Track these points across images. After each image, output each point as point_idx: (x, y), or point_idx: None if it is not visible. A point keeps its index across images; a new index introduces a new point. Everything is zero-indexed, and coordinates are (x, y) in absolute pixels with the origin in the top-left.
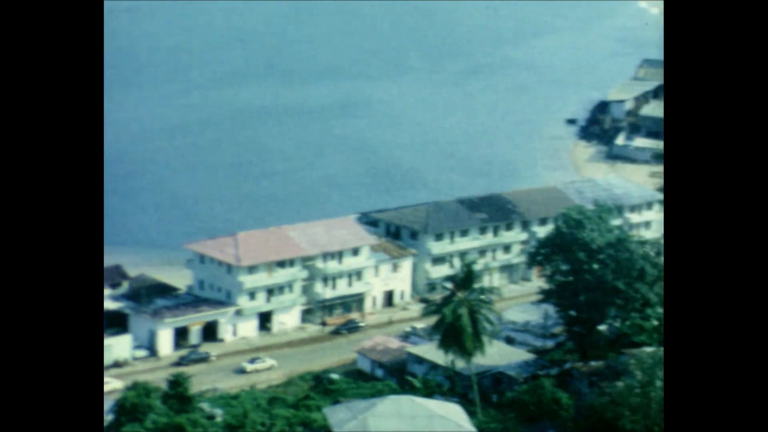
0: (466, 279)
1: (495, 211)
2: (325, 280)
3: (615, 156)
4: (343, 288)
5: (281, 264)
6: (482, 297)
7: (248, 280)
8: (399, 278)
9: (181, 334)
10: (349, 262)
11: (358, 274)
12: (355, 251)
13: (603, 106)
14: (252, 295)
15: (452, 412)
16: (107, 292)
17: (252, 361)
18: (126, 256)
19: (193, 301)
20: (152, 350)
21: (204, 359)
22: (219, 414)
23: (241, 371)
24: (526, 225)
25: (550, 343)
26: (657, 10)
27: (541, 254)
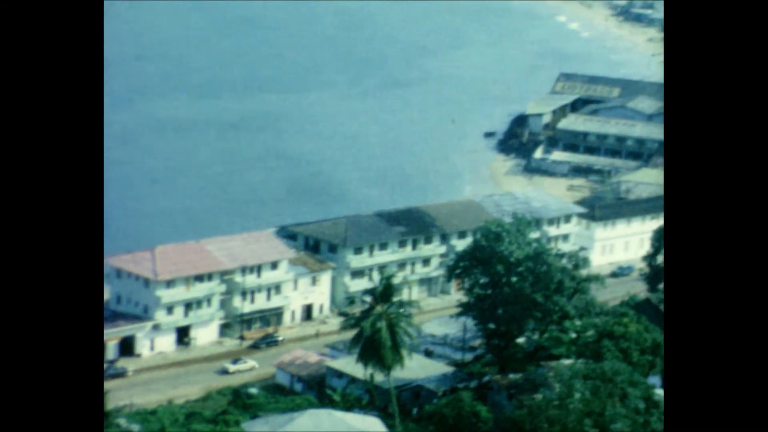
0: (385, 292)
1: (414, 224)
2: (243, 294)
3: (533, 169)
4: (261, 302)
5: (199, 278)
6: (401, 310)
7: (166, 295)
8: (318, 292)
9: None
10: (268, 276)
11: (276, 288)
12: (274, 265)
13: (521, 120)
14: (170, 309)
15: (371, 425)
16: None
17: (234, 362)
18: None
19: (110, 315)
20: None
21: (121, 374)
22: (136, 429)
23: (224, 372)
24: (444, 238)
25: (469, 356)
26: (576, 25)
27: (459, 267)
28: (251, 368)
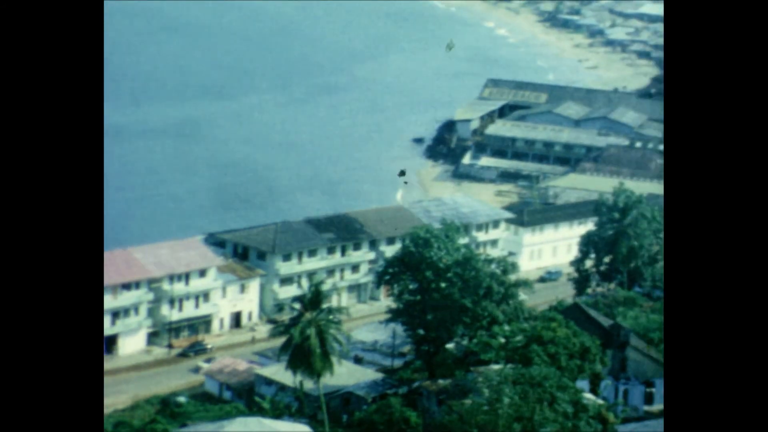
0: (314, 299)
1: (343, 230)
2: (171, 302)
3: (462, 175)
4: (190, 310)
5: (126, 286)
6: (330, 317)
7: None
8: (247, 299)
9: None
10: (196, 284)
11: (205, 295)
12: (202, 272)
13: (450, 126)
14: None
15: None
16: None
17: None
18: None
19: None
20: None
21: None
22: None
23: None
24: (373, 244)
25: (398, 362)
26: (503, 31)
27: (388, 274)
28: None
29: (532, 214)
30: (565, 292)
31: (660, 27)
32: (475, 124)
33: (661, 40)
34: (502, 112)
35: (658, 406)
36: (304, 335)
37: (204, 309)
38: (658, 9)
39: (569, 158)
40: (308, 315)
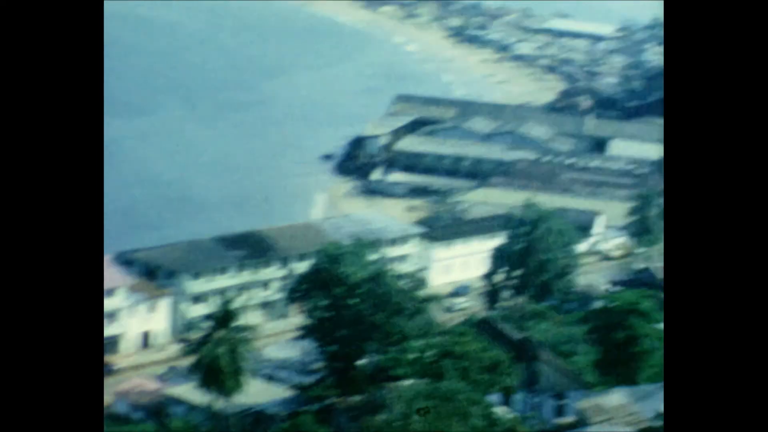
0: (224, 317)
1: (253, 248)
2: None
3: (371, 191)
4: None
5: None
6: (241, 335)
7: None
8: (156, 319)
9: None
10: (105, 304)
11: (113, 315)
12: (110, 292)
13: (359, 142)
14: None
15: None
16: None
17: None
18: None
19: None
20: None
21: None
22: None
23: None
24: (284, 261)
25: (310, 380)
26: (411, 47)
27: (300, 290)
28: None
29: (442, 229)
30: (476, 307)
31: (566, 42)
32: (384, 140)
33: (567, 55)
34: (412, 127)
35: (568, 419)
36: (215, 354)
37: (112, 329)
38: (565, 24)
39: (479, 173)
40: (219, 333)
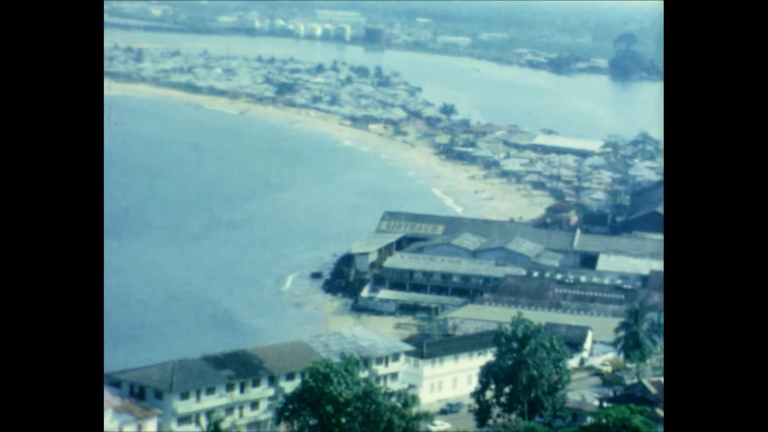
0: None
1: (241, 367)
2: None
3: (360, 308)
4: None
5: None
6: None
7: None
8: None
9: None
10: None
11: None
12: None
13: (348, 259)
14: None
15: None
16: None
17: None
18: None
19: None
20: None
21: None
22: None
23: None
24: (273, 380)
25: None
26: (399, 164)
27: (288, 410)
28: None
29: (431, 346)
30: (467, 424)
31: (553, 158)
32: (373, 257)
33: (554, 171)
34: (400, 244)
35: None
36: None
37: None
38: (551, 140)
39: (467, 289)
40: None
